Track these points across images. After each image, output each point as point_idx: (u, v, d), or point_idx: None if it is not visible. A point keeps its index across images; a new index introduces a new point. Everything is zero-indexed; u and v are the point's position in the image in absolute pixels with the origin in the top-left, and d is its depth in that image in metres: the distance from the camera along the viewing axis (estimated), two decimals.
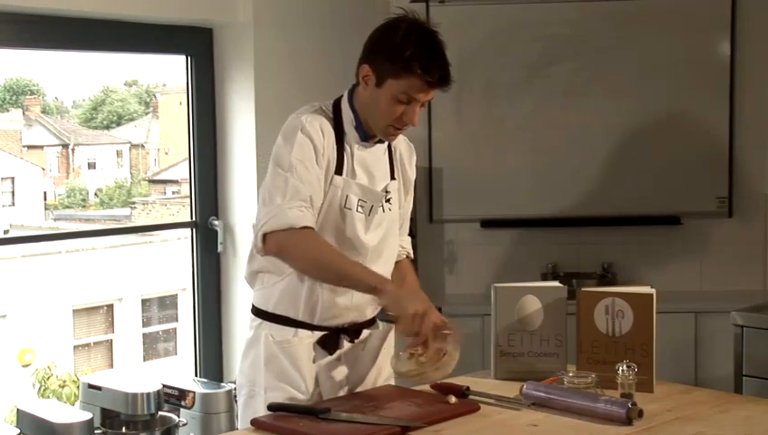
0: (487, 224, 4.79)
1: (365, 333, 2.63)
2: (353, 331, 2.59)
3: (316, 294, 2.52)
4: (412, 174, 2.73)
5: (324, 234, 2.49)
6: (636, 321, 2.56)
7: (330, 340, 2.56)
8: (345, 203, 2.51)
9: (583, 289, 2.66)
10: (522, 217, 4.77)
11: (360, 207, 2.53)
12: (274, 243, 2.42)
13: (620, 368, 2.40)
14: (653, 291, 2.59)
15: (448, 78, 2.47)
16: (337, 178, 2.50)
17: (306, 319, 2.54)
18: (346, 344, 2.59)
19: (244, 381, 2.60)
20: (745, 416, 2.35)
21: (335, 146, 2.51)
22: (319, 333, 2.55)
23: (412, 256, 2.82)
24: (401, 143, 2.70)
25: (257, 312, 2.60)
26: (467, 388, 2.46)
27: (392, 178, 2.64)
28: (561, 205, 4.73)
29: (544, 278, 4.63)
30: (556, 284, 2.78)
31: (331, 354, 2.56)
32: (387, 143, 2.62)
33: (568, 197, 4.73)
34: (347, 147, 2.53)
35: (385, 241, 2.60)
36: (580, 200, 4.72)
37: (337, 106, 2.57)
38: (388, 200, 2.60)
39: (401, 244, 2.75)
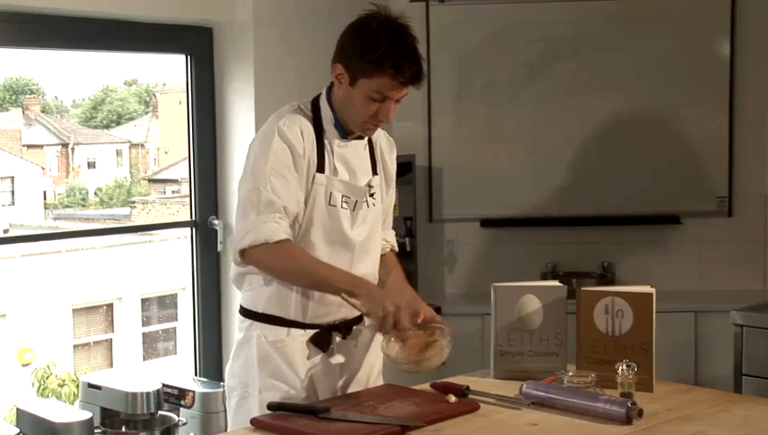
0: (487, 223, 4.79)
1: (356, 328, 2.63)
2: (345, 327, 2.59)
3: (308, 292, 2.53)
4: (393, 168, 2.74)
5: (312, 232, 2.51)
6: (635, 320, 2.56)
7: (322, 337, 2.56)
8: (330, 200, 2.52)
9: (583, 289, 2.65)
10: (521, 216, 4.77)
11: (344, 204, 2.54)
12: (253, 257, 2.46)
13: (620, 367, 2.40)
14: (653, 290, 2.59)
15: (420, 75, 2.46)
16: (319, 176, 2.51)
17: (298, 318, 2.54)
18: (338, 341, 2.59)
19: (236, 383, 2.59)
20: (745, 415, 2.35)
21: (315, 145, 2.51)
22: (311, 332, 2.55)
23: (396, 249, 2.82)
24: (381, 138, 2.71)
25: (246, 313, 2.59)
26: (467, 387, 2.46)
27: (374, 173, 2.65)
28: (561, 204, 4.73)
29: (544, 278, 4.63)
30: (556, 283, 2.79)
31: (324, 352, 2.57)
32: (367, 139, 2.63)
33: (568, 196, 4.73)
34: (327, 144, 2.54)
35: (371, 236, 2.61)
36: (579, 200, 4.72)
37: (316, 104, 2.58)
38: (371, 195, 2.61)
39: (385, 238, 2.75)
